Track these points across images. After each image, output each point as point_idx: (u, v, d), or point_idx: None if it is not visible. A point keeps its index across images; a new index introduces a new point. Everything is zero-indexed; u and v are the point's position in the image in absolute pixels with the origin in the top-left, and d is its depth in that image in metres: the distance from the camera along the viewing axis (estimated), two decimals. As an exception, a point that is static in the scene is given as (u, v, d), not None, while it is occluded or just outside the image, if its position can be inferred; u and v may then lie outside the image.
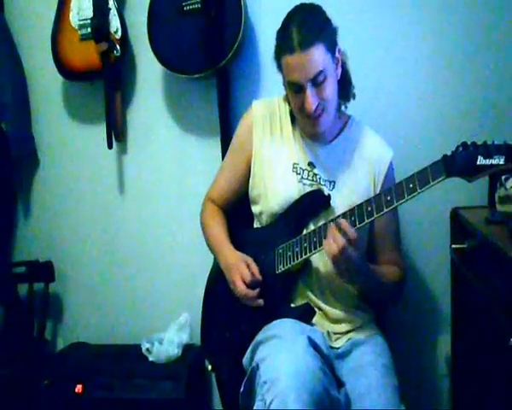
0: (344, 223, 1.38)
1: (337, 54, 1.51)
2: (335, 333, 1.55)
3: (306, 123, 1.55)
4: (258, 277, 1.52)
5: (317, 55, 1.43)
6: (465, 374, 1.77)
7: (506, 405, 1.35)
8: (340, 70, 1.53)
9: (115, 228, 2.32)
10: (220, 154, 2.07)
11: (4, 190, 2.34)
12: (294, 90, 1.49)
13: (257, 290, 1.51)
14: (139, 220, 2.29)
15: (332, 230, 1.38)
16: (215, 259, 1.74)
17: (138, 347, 2.14)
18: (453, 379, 1.89)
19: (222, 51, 1.94)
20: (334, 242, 1.36)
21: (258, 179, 1.64)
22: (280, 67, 1.52)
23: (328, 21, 1.51)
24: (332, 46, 1.48)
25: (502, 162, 1.25)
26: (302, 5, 1.53)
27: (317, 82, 1.45)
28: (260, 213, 1.65)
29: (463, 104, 1.94)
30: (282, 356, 1.27)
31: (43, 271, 2.31)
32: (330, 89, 1.48)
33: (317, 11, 1.51)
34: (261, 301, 1.51)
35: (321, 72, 1.44)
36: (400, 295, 1.69)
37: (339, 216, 1.44)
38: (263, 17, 2.05)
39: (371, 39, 1.98)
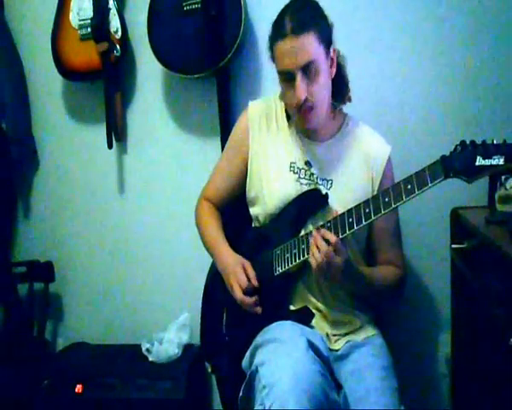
0: (323, 232, 1.38)
1: (331, 53, 1.49)
2: (334, 335, 1.54)
3: (297, 118, 1.53)
4: (255, 283, 1.50)
5: (309, 43, 1.41)
6: (465, 374, 1.77)
7: (506, 405, 1.35)
8: (334, 70, 1.51)
9: (115, 228, 2.32)
10: (220, 154, 2.06)
11: (4, 190, 2.34)
12: (285, 78, 1.47)
13: (254, 298, 1.48)
14: (139, 220, 2.29)
15: (314, 239, 1.38)
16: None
17: (138, 347, 2.14)
18: (453, 379, 1.89)
19: (222, 51, 1.94)
20: (318, 251, 1.36)
21: (256, 180, 1.64)
22: (273, 58, 1.50)
23: (323, 16, 1.49)
24: (325, 40, 1.46)
25: (501, 163, 1.23)
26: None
27: (307, 72, 1.43)
28: (258, 214, 1.64)
29: (463, 102, 1.93)
30: (281, 360, 1.26)
31: (43, 271, 2.31)
32: (321, 84, 1.45)
33: (314, 5, 1.50)
34: (259, 309, 1.48)
35: (312, 62, 1.42)
36: (399, 294, 1.69)
37: (336, 217, 1.43)
38: (263, 17, 2.04)
39: (371, 39, 1.97)
